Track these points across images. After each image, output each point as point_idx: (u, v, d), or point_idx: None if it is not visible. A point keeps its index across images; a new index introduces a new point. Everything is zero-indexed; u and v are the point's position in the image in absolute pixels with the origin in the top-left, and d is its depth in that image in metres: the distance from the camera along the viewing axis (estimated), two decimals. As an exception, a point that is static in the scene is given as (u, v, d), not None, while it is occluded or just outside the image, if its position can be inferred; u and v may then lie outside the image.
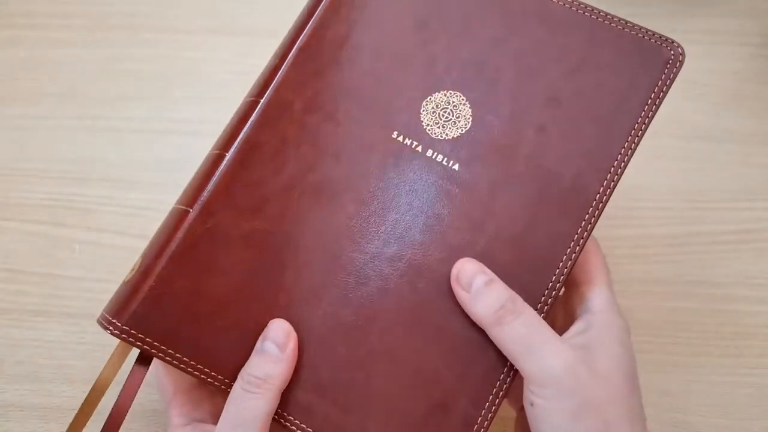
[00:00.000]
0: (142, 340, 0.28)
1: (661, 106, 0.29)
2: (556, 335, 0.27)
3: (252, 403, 0.27)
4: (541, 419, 0.26)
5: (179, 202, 0.30)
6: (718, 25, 0.47)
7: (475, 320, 0.28)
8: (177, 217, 0.30)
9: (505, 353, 0.27)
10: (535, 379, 0.26)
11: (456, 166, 0.29)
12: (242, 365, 0.28)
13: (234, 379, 0.28)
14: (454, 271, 0.28)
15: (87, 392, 0.28)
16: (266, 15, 0.49)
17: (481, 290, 0.27)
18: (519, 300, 0.27)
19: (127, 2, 0.49)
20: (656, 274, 0.41)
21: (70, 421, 0.28)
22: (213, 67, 0.47)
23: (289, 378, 0.28)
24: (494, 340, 0.27)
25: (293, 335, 0.28)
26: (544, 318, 0.28)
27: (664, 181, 0.38)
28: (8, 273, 0.41)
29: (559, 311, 0.32)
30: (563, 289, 0.30)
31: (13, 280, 0.41)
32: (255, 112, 0.30)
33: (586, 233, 0.29)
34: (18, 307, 0.40)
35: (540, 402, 0.26)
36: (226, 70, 0.47)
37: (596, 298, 0.29)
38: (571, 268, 0.28)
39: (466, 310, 0.28)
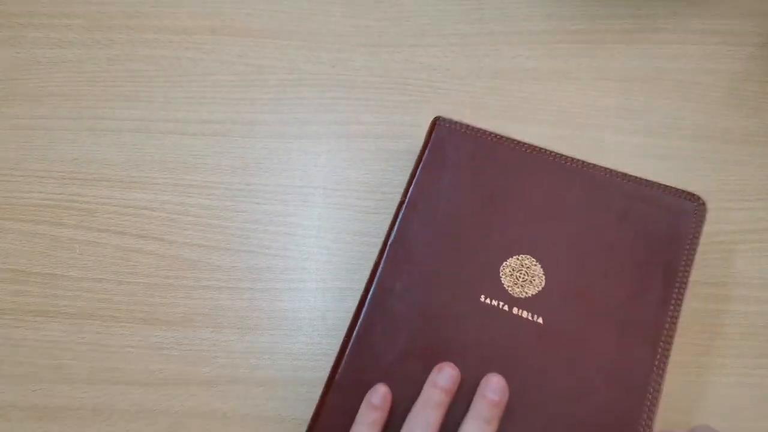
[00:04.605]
0: None
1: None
2: None
3: None
4: None
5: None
6: (718, 25, 0.47)
7: None
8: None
9: None
10: None
11: (540, 320, 0.34)
12: None
13: None
14: None
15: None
16: (266, 15, 0.49)
17: None
18: None
19: (127, 2, 0.49)
20: (656, 274, 0.41)
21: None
22: (213, 67, 0.47)
23: None
24: None
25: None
26: None
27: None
28: (8, 273, 0.41)
29: None
30: None
31: (14, 280, 0.41)
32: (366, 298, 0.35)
33: (666, 351, 0.33)
34: (18, 307, 0.41)
35: None
36: (226, 70, 0.47)
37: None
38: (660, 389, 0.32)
39: None
